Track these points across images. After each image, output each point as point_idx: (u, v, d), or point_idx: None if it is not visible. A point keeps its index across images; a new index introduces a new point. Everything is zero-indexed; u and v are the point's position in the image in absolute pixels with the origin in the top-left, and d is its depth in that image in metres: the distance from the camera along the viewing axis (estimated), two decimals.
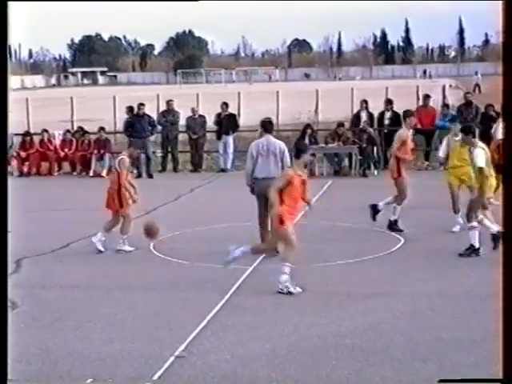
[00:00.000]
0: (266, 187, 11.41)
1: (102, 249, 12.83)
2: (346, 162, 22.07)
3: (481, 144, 12.40)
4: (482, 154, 11.94)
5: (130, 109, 23.79)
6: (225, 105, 24.34)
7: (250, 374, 7.28)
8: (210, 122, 24.56)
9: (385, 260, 11.92)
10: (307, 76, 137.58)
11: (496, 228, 11.91)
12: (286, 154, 12.50)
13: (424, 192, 16.31)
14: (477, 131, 21.90)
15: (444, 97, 32.33)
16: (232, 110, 25.56)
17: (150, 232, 12.53)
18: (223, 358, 7.69)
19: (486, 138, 22.40)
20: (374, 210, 14.21)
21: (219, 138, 23.95)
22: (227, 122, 23.65)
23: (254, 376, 7.25)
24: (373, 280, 10.76)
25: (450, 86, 58.90)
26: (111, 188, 13.08)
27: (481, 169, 11.82)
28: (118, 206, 12.98)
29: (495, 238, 11.94)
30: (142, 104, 23.44)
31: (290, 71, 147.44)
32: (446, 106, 25.05)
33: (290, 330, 8.59)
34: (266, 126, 13.09)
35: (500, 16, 2.57)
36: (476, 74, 73.70)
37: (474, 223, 12.02)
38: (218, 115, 24.10)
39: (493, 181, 12.04)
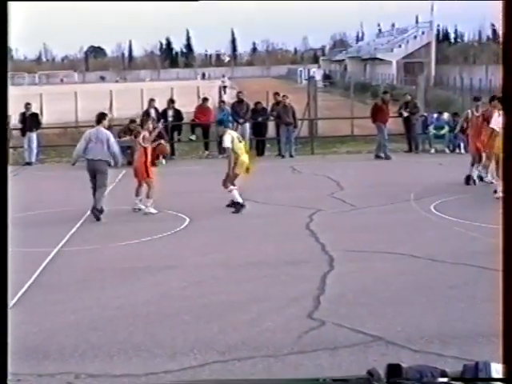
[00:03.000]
0: (94, 166, 13.70)
1: (155, 211, 13.74)
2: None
3: (230, 131, 14.21)
4: (228, 137, 13.64)
5: None
6: (28, 105, 23.51)
7: (57, 344, 7.11)
8: (15, 121, 23.59)
9: (173, 237, 11.96)
10: (103, 78, 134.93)
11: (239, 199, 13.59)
12: (111, 141, 13.92)
13: (204, 178, 16.49)
14: (248, 124, 22.55)
15: (220, 95, 32.87)
16: (35, 109, 24.72)
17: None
18: (31, 332, 7.46)
19: (258, 129, 23.07)
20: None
21: (23, 134, 23.08)
22: (30, 121, 22.87)
23: (61, 345, 7.08)
24: (163, 255, 10.78)
25: (226, 86, 59.81)
26: (138, 161, 14.19)
27: (228, 148, 13.62)
28: (146, 176, 14.06)
29: (235, 204, 13.58)
30: None
31: (88, 74, 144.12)
32: (222, 102, 25.50)
33: (92, 303, 8.45)
34: (97, 119, 14.29)
35: (500, 16, 2.50)
36: (223, 76, 73.71)
37: (231, 187, 13.57)
38: (23, 114, 23.23)
39: (244, 158, 13.74)
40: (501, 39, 2.70)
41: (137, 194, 14.22)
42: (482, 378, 2.79)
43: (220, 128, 14.59)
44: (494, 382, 2.78)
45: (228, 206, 13.71)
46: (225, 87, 55.65)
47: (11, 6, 2.49)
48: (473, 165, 15.98)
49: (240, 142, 14.04)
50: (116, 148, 13.98)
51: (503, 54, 2.53)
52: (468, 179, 15.86)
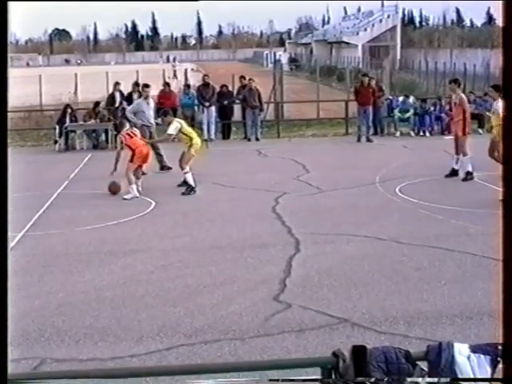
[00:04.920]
0: None
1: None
2: (103, 137, 21.74)
3: (177, 119, 14.79)
4: (174, 125, 14.07)
5: None
6: None
7: (22, 329, 7.03)
8: None
9: (139, 221, 11.89)
10: (67, 61, 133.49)
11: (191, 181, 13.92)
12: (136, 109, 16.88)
13: (170, 162, 16.37)
14: (214, 108, 22.44)
15: (186, 78, 32.69)
16: None
17: (113, 188, 13.85)
18: None
19: (224, 112, 22.98)
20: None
21: None
22: None
23: (26, 331, 7.02)
24: (129, 239, 10.70)
25: (192, 69, 59.52)
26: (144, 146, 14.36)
27: (170, 135, 14.14)
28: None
29: (187, 185, 13.89)
30: None
31: (52, 57, 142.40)
32: (187, 85, 25.40)
33: (58, 288, 8.39)
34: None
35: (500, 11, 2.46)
36: (174, 60, 71.29)
37: (187, 169, 13.90)
38: None
39: (198, 141, 14.25)
40: (501, 38, 2.68)
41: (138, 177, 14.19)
42: (482, 378, 2.82)
43: (166, 118, 14.65)
44: (493, 382, 2.81)
45: (179, 185, 14.06)
46: (175, 71, 55.03)
47: (11, 5, 2.46)
48: (457, 154, 14.65)
49: (189, 126, 14.90)
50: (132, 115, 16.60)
51: (504, 54, 2.53)
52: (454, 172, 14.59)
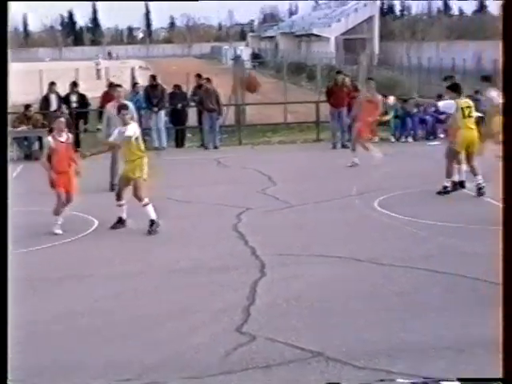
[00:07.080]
0: None
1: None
2: (37, 145, 21.54)
3: (134, 122, 12.97)
4: (133, 127, 12.48)
5: None
6: None
7: None
8: None
9: (79, 243, 11.78)
10: None
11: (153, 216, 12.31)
12: None
13: None
14: (163, 112, 22.38)
15: (133, 78, 32.61)
16: None
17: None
18: None
19: (177, 116, 22.93)
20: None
21: None
22: None
23: None
24: (68, 264, 10.60)
25: (140, 67, 59.55)
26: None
27: (130, 137, 12.31)
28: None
29: (152, 222, 12.28)
30: None
31: None
32: (135, 84, 25.27)
33: None
34: None
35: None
36: (97, 57, 69.67)
37: (146, 200, 12.29)
38: None
39: (146, 160, 12.54)
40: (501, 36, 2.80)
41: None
42: (482, 378, 2.86)
43: (128, 115, 12.69)
44: (494, 382, 2.85)
45: (149, 232, 12.24)
46: (98, 70, 54.75)
47: (11, 5, 2.49)
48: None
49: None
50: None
51: (504, 55, 2.62)
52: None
